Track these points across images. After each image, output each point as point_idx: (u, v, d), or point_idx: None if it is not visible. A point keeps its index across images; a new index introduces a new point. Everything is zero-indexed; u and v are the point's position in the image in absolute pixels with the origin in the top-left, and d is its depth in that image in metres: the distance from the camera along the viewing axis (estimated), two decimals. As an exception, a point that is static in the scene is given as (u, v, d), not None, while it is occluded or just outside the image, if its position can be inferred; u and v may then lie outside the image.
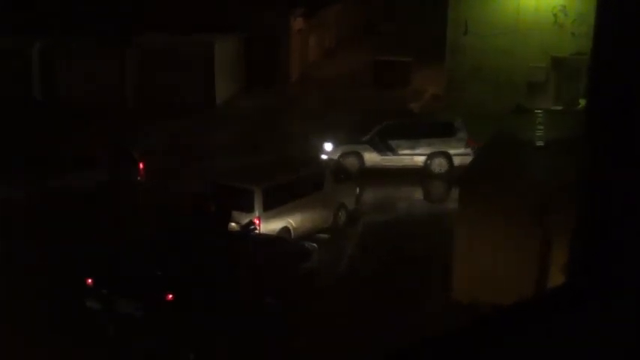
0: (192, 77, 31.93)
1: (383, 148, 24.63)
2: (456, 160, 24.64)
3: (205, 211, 17.71)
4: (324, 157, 24.57)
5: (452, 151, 24.69)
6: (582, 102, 27.06)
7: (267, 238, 17.74)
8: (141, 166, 22.21)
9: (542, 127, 19.27)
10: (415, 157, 24.63)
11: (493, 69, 31.03)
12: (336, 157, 24.41)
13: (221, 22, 33.65)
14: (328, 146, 24.84)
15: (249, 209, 18.72)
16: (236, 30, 34.14)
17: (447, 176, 24.41)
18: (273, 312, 15.74)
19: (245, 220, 18.04)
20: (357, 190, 21.83)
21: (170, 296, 14.49)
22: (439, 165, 24.76)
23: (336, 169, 22.11)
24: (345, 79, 36.55)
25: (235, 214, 18.23)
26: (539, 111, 24.64)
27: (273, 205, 19.12)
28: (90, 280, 15.23)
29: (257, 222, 18.33)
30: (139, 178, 22.13)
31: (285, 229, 19.32)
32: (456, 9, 31.07)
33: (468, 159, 24.70)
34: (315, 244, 17.66)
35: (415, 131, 25.03)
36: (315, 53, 40.47)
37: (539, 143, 18.21)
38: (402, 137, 24.77)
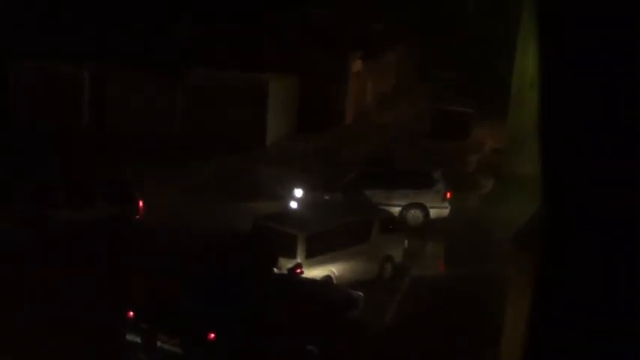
0: (244, 115, 33.09)
1: (354, 197, 24.65)
2: (433, 213, 25.16)
3: (250, 253, 18.58)
4: (293, 204, 24.89)
5: (428, 204, 25.19)
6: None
7: (313, 283, 18.48)
8: (140, 203, 22.94)
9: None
10: (390, 207, 24.53)
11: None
12: (304, 203, 24.43)
13: (277, 61, 34.80)
14: (298, 192, 25.21)
15: (292, 255, 19.40)
16: (292, 69, 35.25)
17: (422, 229, 24.79)
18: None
19: (288, 265, 18.75)
20: (406, 242, 22.41)
21: (212, 335, 15.33)
22: (414, 217, 25.22)
23: (385, 218, 22.66)
24: (401, 127, 37.37)
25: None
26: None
27: (316, 253, 19.78)
28: (131, 313, 16.15)
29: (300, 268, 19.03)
30: (137, 216, 22.86)
31: (327, 278, 19.98)
32: (523, 59, 31.48)
33: (446, 212, 25.27)
34: (361, 293, 18.34)
35: (392, 181, 25.48)
36: (372, 98, 41.48)
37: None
38: (378, 186, 25.11)
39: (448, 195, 25.78)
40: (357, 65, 38.39)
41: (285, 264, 18.77)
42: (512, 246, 18.01)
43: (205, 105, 33.42)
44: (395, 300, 20.40)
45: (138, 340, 15.94)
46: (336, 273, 20.19)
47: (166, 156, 30.50)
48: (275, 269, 18.31)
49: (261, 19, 35.54)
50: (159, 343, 15.68)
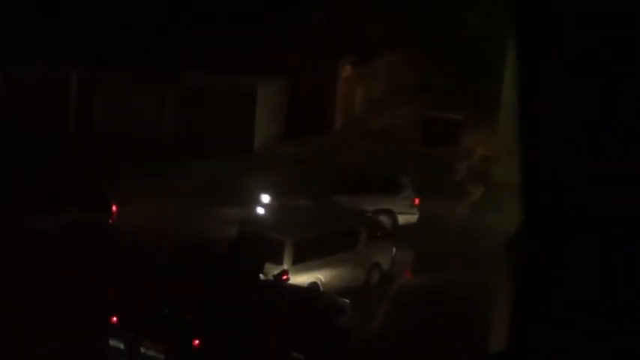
0: (231, 119, 33.15)
1: (323, 202, 24.58)
2: (401, 219, 25.32)
3: (236, 259, 18.63)
4: (259, 210, 24.88)
5: (397, 210, 25.32)
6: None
7: (298, 290, 18.54)
8: (114, 208, 22.87)
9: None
10: None
11: (550, 133, 31.68)
12: (271, 209, 24.45)
13: (265, 65, 34.89)
14: (265, 198, 25.25)
15: (278, 261, 19.40)
16: (280, 73, 35.34)
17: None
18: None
19: (274, 272, 18.78)
20: (394, 249, 22.50)
21: (197, 342, 15.36)
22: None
23: (373, 225, 22.73)
24: (391, 133, 37.51)
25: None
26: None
27: (303, 259, 19.82)
28: (115, 318, 16.17)
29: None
30: (110, 221, 22.77)
31: (314, 285, 20.02)
32: (513, 66, 31.65)
33: (414, 218, 25.43)
34: (347, 301, 18.41)
35: (360, 187, 25.65)
36: (362, 103, 41.61)
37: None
38: (346, 192, 25.16)
39: (416, 201, 25.95)
40: (346, 70, 38.52)
41: (271, 270, 18.81)
42: (503, 253, 18.16)
43: (193, 108, 33.48)
44: (382, 307, 20.47)
45: (121, 346, 15.97)
46: (323, 280, 20.27)
47: (152, 160, 30.51)
48: (261, 275, 18.36)
49: (249, 22, 35.62)
50: (142, 350, 15.72)
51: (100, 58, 33.03)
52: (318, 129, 36.16)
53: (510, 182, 29.79)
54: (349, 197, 24.98)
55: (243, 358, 15.89)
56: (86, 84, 33.74)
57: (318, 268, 20.23)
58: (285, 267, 19.26)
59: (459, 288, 21.92)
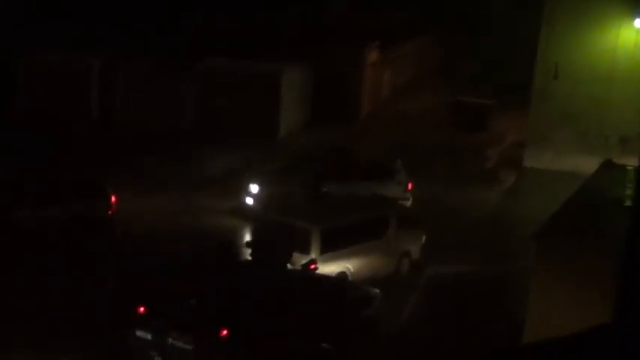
0: (256, 106, 33.19)
1: (314, 191, 24.66)
2: None
3: (262, 248, 18.75)
4: (249, 199, 24.90)
5: (390, 195, 25.11)
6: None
7: (327, 280, 18.63)
8: (112, 199, 23.00)
9: (632, 186, 19.75)
10: None
11: (582, 118, 31.56)
12: (262, 200, 24.45)
13: (291, 50, 34.89)
14: (254, 188, 25.15)
15: (306, 250, 19.53)
16: (306, 60, 35.34)
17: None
18: (330, 357, 16.62)
19: (302, 261, 18.88)
20: (424, 238, 22.54)
21: (225, 332, 15.52)
22: None
23: (402, 213, 22.76)
24: (420, 120, 37.47)
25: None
26: (632, 167, 25.08)
27: (331, 248, 19.93)
28: (142, 309, 16.37)
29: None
30: (109, 212, 22.90)
31: (342, 275, 20.10)
32: (546, 51, 31.59)
33: (407, 203, 25.44)
34: (377, 290, 18.49)
35: (353, 173, 25.56)
36: (389, 89, 41.55)
37: (629, 203, 18.66)
38: (339, 179, 25.07)
39: (409, 186, 25.97)
40: (374, 55, 38.48)
41: (299, 260, 18.92)
42: (535, 242, 18.16)
43: (217, 96, 33.55)
44: (412, 297, 20.54)
45: (148, 336, 16.16)
46: (352, 269, 20.35)
47: (174, 150, 30.66)
48: (289, 265, 18.48)
49: (274, 8, 35.64)
50: (170, 340, 15.90)
51: (122, 47, 33.23)
52: (345, 116, 36.13)
53: (542, 169, 29.91)
54: (342, 184, 24.86)
55: (271, 348, 16.03)
56: (107, 72, 33.94)
57: (347, 257, 20.31)
58: (313, 256, 19.35)
59: (490, 277, 21.95)
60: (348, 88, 36.49)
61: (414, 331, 18.75)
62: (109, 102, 33.90)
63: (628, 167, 25.52)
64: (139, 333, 16.31)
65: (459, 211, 26.69)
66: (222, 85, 33.57)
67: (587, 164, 28.49)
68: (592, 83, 31.32)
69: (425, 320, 19.31)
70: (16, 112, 33.09)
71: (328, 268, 19.65)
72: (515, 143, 34.20)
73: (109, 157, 29.11)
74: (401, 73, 43.33)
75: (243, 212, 24.99)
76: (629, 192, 19.42)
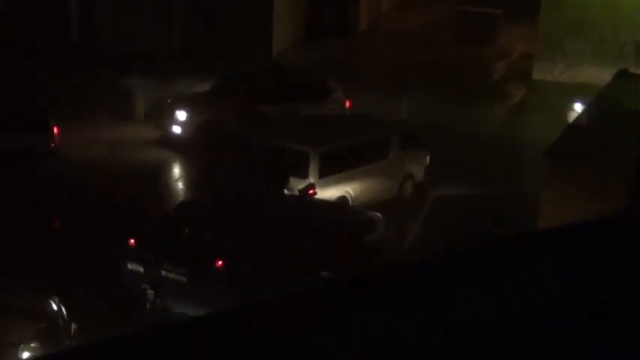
0: (247, 22, 32.90)
1: (248, 116, 24.30)
2: None
3: (257, 173, 18.83)
4: (176, 128, 24.55)
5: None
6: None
7: (327, 205, 18.73)
8: (55, 130, 22.59)
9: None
10: None
11: (596, 26, 31.35)
12: (191, 128, 24.21)
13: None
14: (181, 115, 24.71)
15: (303, 174, 19.56)
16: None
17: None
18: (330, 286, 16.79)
19: (299, 186, 18.94)
20: (428, 158, 22.55)
21: (220, 262, 15.67)
22: None
23: (405, 133, 22.71)
24: (423, 33, 37.18)
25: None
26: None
27: (330, 171, 19.96)
28: (132, 241, 16.50)
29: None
30: (52, 145, 22.50)
31: (343, 199, 20.20)
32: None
33: None
34: (379, 215, 18.60)
35: (283, 93, 25.11)
36: (388, 2, 41.14)
37: (646, 113, 18.66)
38: (270, 102, 24.63)
39: (347, 104, 25.56)
40: (371, -36, 37.99)
41: (297, 184, 18.98)
42: (545, 161, 18.21)
43: (204, 11, 33.23)
44: (416, 221, 20.68)
45: (140, 269, 16.32)
46: (352, 193, 20.42)
47: (161, 72, 30.42)
48: (286, 190, 18.56)
49: None
50: (163, 272, 16.06)
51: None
52: (342, 30, 35.86)
53: (553, 81, 29.88)
54: (272, 106, 24.48)
55: (268, 278, 16.19)
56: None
57: (347, 180, 20.36)
58: (312, 181, 19.40)
59: (499, 199, 22.04)
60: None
61: (418, 257, 18.91)
62: (89, 23, 33.53)
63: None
64: (131, 266, 16.46)
65: (464, 130, 26.65)
66: (211, 1, 33.22)
67: (602, 75, 28.42)
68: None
69: (430, 246, 19.46)
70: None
71: (328, 193, 19.73)
72: (523, 55, 34.01)
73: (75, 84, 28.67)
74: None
75: (171, 142, 24.67)
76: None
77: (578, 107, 25.13)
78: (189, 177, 23.61)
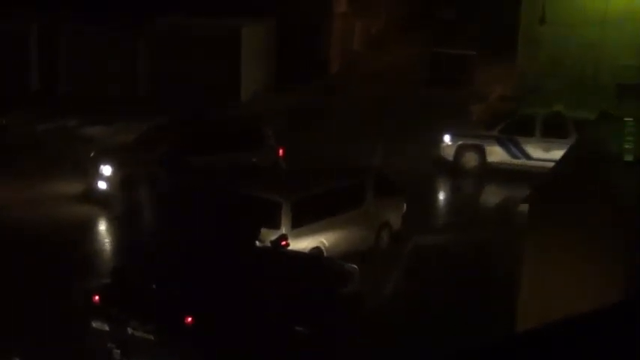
0: (215, 68, 33.05)
1: (171, 167, 23.99)
2: None
3: (228, 225, 18.75)
4: (101, 184, 23.87)
5: (263, 165, 24.68)
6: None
7: (300, 257, 18.67)
8: None
9: (631, 139, 19.85)
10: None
11: (574, 66, 31.69)
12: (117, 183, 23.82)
13: (249, 5, 34.68)
14: (106, 169, 23.90)
15: (275, 225, 19.52)
16: (268, 13, 35.15)
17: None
18: (305, 341, 16.70)
19: (272, 237, 18.88)
20: (405, 206, 22.59)
21: (189, 319, 15.52)
22: None
23: (380, 180, 22.75)
24: (396, 75, 37.46)
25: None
26: (630, 119, 25.20)
27: (303, 222, 19.92)
28: (97, 297, 16.33)
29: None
30: None
31: (317, 250, 20.17)
32: None
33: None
34: (355, 266, 18.58)
35: (213, 142, 24.61)
36: (361, 42, 41.46)
37: (628, 158, 18.77)
38: (196, 151, 24.12)
39: (280, 152, 25.33)
40: (342, 5, 38.34)
41: (268, 235, 18.92)
42: (527, 207, 18.21)
43: (171, 58, 33.36)
44: (394, 272, 20.64)
45: (105, 327, 16.13)
46: (327, 244, 20.38)
47: (127, 118, 30.44)
48: (257, 242, 18.49)
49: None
50: (129, 330, 15.88)
51: (64, 6, 32.83)
52: (313, 73, 36.05)
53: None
54: (205, 156, 24.09)
55: (241, 334, 16.07)
56: (48, 37, 33.57)
57: (321, 230, 20.33)
58: (284, 231, 19.36)
59: (478, 248, 22.08)
60: (316, 42, 36.38)
61: (396, 309, 18.86)
62: (51, 70, 33.52)
63: (626, 119, 25.69)
64: (95, 324, 16.28)
65: (442, 174, 26.76)
66: (178, 47, 33.36)
67: (582, 116, 28.69)
68: (583, 27, 31.37)
69: (408, 297, 19.42)
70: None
71: (301, 244, 19.69)
72: (502, 96, 34.28)
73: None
74: (374, 24, 43.24)
75: (97, 197, 24.13)
76: (628, 146, 19.54)
77: (447, 139, 25.48)
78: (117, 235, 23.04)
